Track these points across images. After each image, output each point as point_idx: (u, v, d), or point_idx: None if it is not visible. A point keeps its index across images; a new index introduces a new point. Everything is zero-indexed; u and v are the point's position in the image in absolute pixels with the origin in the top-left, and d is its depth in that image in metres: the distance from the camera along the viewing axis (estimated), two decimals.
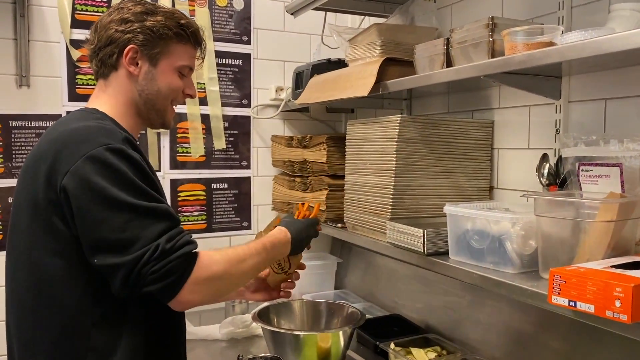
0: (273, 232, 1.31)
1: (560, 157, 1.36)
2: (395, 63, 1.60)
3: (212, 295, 1.10)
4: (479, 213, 1.25)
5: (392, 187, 1.50)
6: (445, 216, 1.49)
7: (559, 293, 0.95)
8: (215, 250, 1.12)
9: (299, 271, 1.49)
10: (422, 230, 1.34)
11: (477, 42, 1.22)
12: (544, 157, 1.40)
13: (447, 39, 1.34)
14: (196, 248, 1.07)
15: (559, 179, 1.35)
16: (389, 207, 1.50)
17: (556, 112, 1.43)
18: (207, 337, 1.84)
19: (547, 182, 1.37)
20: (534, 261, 1.19)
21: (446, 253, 1.34)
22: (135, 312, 1.13)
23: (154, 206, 1.06)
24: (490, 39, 1.20)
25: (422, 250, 1.35)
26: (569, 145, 1.29)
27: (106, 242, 1.02)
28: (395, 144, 1.49)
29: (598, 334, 1.30)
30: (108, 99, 1.24)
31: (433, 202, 1.56)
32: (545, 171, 1.38)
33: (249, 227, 2.33)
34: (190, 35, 1.28)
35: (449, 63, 1.35)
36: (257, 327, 1.54)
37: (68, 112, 1.99)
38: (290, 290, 1.50)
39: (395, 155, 1.49)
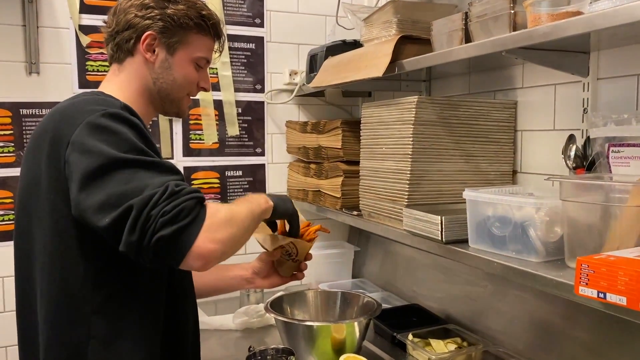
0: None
1: (588, 138, 1.27)
2: (412, 41, 1.52)
3: (230, 242, 0.99)
4: (501, 198, 1.18)
5: (408, 172, 1.43)
6: (465, 202, 1.43)
7: (586, 284, 0.88)
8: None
9: (308, 262, 1.44)
10: (439, 217, 1.27)
11: (498, 15, 1.14)
12: (571, 139, 1.32)
13: (466, 13, 1.26)
14: (204, 197, 1.00)
15: (586, 161, 1.26)
16: (406, 193, 1.44)
17: (584, 91, 1.34)
18: (221, 327, 1.81)
19: (574, 165, 1.29)
20: (559, 249, 1.11)
21: (466, 241, 1.27)
22: (139, 298, 1.09)
23: (158, 160, 1.01)
24: (512, 11, 1.12)
25: (440, 238, 1.28)
26: (598, 125, 1.20)
27: (113, 197, 0.94)
28: (411, 126, 1.42)
29: (630, 326, 1.22)
30: (120, 84, 1.22)
31: (452, 188, 1.48)
32: (572, 153, 1.29)
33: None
34: (210, 27, 1.25)
35: (468, 39, 1.27)
36: (272, 317, 1.49)
37: None
38: (301, 273, 1.44)
39: (412, 139, 1.42)
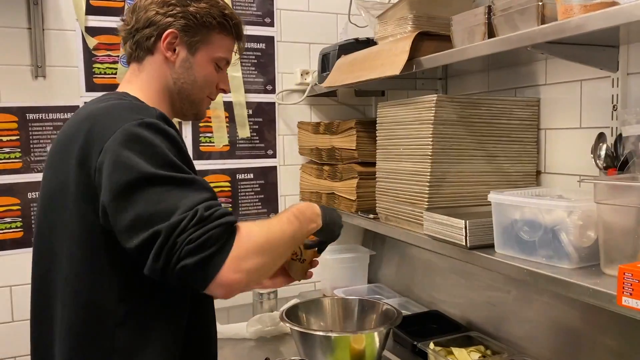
0: (298, 203, 1.18)
1: (619, 135, 1.20)
2: (430, 38, 1.46)
3: (257, 272, 0.94)
4: (529, 201, 1.11)
5: (428, 174, 1.37)
6: (488, 205, 1.35)
7: (630, 294, 0.82)
8: (250, 222, 0.99)
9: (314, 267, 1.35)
10: (463, 221, 1.21)
11: (524, 8, 1.07)
12: (600, 137, 1.25)
13: (489, 6, 1.20)
14: (236, 221, 0.95)
15: (618, 161, 1.20)
16: (426, 195, 1.37)
17: (613, 86, 1.28)
18: (235, 335, 1.75)
19: (605, 165, 1.22)
20: (592, 255, 1.05)
21: (491, 246, 1.21)
22: (163, 310, 1.04)
23: (191, 177, 0.96)
24: (540, 3, 1.05)
25: (464, 243, 1.22)
26: (631, 123, 1.13)
27: (142, 219, 0.90)
28: (431, 126, 1.36)
29: None
30: (141, 85, 1.17)
31: (474, 190, 1.42)
32: (602, 152, 1.23)
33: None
34: (232, 27, 1.22)
35: (491, 34, 1.21)
36: (287, 326, 1.44)
37: (86, 103, 1.91)
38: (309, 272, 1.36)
39: (431, 139, 1.36)
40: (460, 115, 1.39)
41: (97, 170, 0.95)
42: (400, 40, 1.50)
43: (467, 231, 1.21)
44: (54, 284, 1.05)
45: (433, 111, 1.35)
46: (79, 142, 1.00)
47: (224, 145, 2.13)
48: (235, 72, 2.11)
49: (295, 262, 1.32)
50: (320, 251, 1.28)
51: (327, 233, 1.20)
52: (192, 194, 0.92)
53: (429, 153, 1.36)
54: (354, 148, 1.81)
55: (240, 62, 2.13)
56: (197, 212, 0.89)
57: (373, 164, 1.72)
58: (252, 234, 0.94)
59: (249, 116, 2.17)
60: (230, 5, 2.08)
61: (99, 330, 1.01)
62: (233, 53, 1.27)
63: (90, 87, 1.92)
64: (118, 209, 0.92)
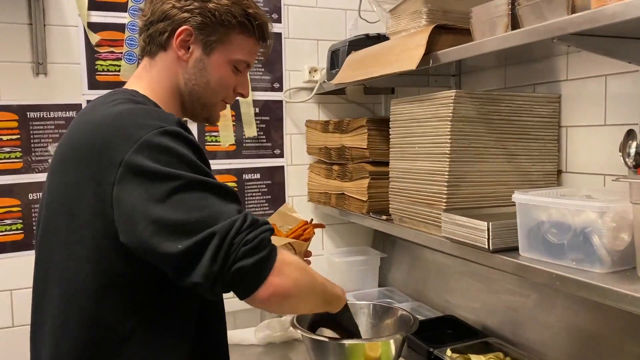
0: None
1: None
2: (447, 31, 1.40)
3: (299, 285, 0.93)
4: (558, 202, 1.05)
5: (447, 173, 1.31)
6: (508, 206, 1.31)
7: None
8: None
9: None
10: (486, 222, 1.15)
11: None
12: (630, 134, 1.18)
13: None
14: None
15: None
16: (444, 196, 1.31)
17: None
18: (242, 341, 1.69)
19: (635, 163, 1.16)
20: (626, 258, 0.99)
21: (515, 249, 1.15)
22: (169, 324, 0.98)
23: (224, 185, 0.92)
24: None
25: (486, 246, 1.16)
26: None
27: (187, 225, 0.85)
28: (449, 123, 1.30)
29: None
30: (150, 82, 1.10)
31: (494, 190, 1.36)
32: (632, 150, 1.16)
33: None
34: (255, 28, 1.13)
35: (514, 25, 1.15)
36: (297, 332, 1.38)
37: (88, 101, 1.85)
38: None
39: (449, 137, 1.30)
40: (479, 112, 1.33)
41: (116, 184, 0.88)
42: (415, 34, 1.44)
43: (490, 233, 1.15)
44: (56, 298, 0.98)
45: (451, 108, 1.29)
46: (93, 151, 0.93)
47: (230, 145, 2.07)
48: None
49: None
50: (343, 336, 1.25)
51: (350, 320, 1.23)
52: (228, 202, 0.90)
53: (447, 151, 1.30)
54: (365, 147, 1.75)
55: None
56: (247, 215, 0.88)
57: (385, 164, 1.67)
58: (287, 252, 0.96)
59: (256, 115, 2.11)
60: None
61: (104, 347, 0.95)
62: (255, 55, 1.18)
63: (93, 84, 1.86)
64: (151, 220, 0.86)
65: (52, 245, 0.99)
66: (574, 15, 0.96)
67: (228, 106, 2.04)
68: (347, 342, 1.28)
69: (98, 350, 0.95)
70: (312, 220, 1.37)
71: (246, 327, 1.76)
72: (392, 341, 1.28)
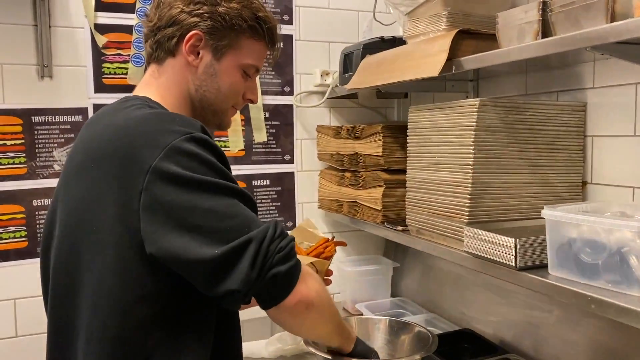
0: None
1: None
2: (469, 36, 1.34)
3: (318, 294, 0.94)
4: (592, 219, 0.99)
5: (469, 185, 1.25)
6: (532, 219, 1.26)
7: None
8: None
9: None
10: (514, 239, 1.09)
11: (590, 3, 0.95)
12: None
13: (544, 2, 1.08)
14: None
15: None
16: (466, 209, 1.26)
17: None
18: (252, 354, 1.64)
19: None
20: None
21: (542, 267, 1.09)
22: (191, 339, 0.94)
23: (247, 193, 0.93)
24: None
25: (513, 264, 1.10)
26: None
27: (220, 232, 0.85)
28: (473, 133, 1.24)
29: None
30: (160, 89, 1.06)
31: (517, 202, 1.31)
32: None
33: (293, 227, 2.11)
34: (265, 32, 1.10)
35: (545, 32, 1.09)
36: (309, 348, 1.32)
37: (95, 105, 1.81)
38: None
39: (473, 147, 1.24)
40: (504, 120, 1.27)
41: (144, 190, 0.85)
42: (437, 38, 1.38)
43: (517, 251, 1.09)
44: (78, 317, 0.93)
45: (475, 116, 1.24)
46: (116, 157, 0.89)
47: (239, 150, 2.02)
48: None
49: None
50: None
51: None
52: (253, 210, 0.92)
53: (470, 162, 1.25)
54: (380, 154, 1.70)
55: None
56: (277, 224, 0.90)
57: (400, 172, 1.61)
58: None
59: (265, 119, 2.05)
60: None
61: None
62: (264, 60, 1.15)
63: (100, 88, 1.81)
64: (184, 226, 0.85)
65: (75, 257, 0.94)
66: (616, 23, 0.90)
67: (237, 111, 2.00)
68: None
69: None
70: (333, 237, 1.32)
71: (256, 339, 1.70)
72: None
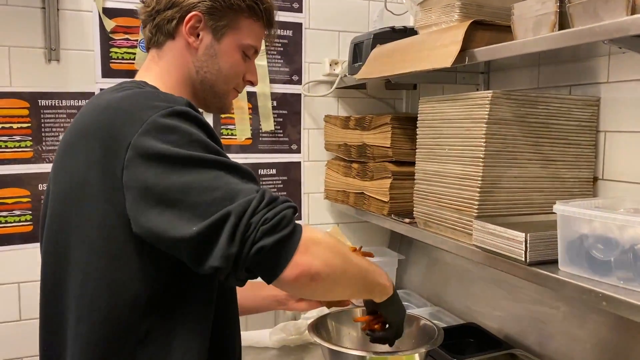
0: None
1: None
2: (483, 27, 1.32)
3: (329, 265, 0.87)
4: (605, 215, 0.98)
5: (479, 178, 1.24)
6: (542, 214, 1.25)
7: None
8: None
9: None
10: (524, 234, 1.08)
11: None
12: None
13: None
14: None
15: None
16: (476, 202, 1.24)
17: None
18: (256, 344, 1.64)
19: None
20: None
21: (552, 262, 1.08)
22: (187, 323, 0.93)
23: (238, 164, 0.88)
24: None
25: (522, 259, 1.09)
26: None
27: (199, 207, 0.81)
28: (484, 125, 1.22)
29: None
30: (160, 73, 1.06)
31: (527, 197, 1.29)
32: None
33: (298, 218, 2.10)
34: (263, 12, 1.09)
35: (562, 24, 1.07)
36: (314, 338, 1.32)
37: (102, 90, 1.79)
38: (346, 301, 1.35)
39: (484, 140, 1.22)
40: (516, 113, 1.25)
41: (125, 168, 0.84)
42: (450, 29, 1.36)
43: (528, 245, 1.08)
44: (67, 296, 0.93)
45: (487, 109, 1.22)
46: (99, 136, 0.88)
47: (246, 139, 2.01)
48: (260, 61, 1.97)
49: None
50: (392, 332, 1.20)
51: (398, 309, 1.16)
52: (246, 182, 0.85)
53: (481, 155, 1.23)
54: (388, 145, 1.68)
55: (266, 49, 2.00)
56: (265, 193, 0.83)
57: (409, 164, 1.60)
58: (314, 230, 0.89)
59: (273, 108, 2.04)
60: None
61: (119, 348, 0.90)
62: (261, 42, 1.15)
63: (107, 72, 1.80)
64: (161, 204, 0.82)
65: (63, 238, 0.94)
66: (637, 15, 0.88)
67: (245, 99, 1.99)
68: (368, 354, 1.22)
69: (114, 350, 0.90)
70: (361, 247, 1.31)
71: (259, 328, 1.70)
72: (417, 356, 1.22)
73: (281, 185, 2.08)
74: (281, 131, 2.06)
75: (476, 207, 1.24)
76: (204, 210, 0.80)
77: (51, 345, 0.98)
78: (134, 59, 1.83)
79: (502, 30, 1.29)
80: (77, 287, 0.91)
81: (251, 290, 1.29)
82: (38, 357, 1.02)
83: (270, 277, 0.84)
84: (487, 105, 1.22)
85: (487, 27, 1.32)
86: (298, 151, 2.09)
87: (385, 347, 1.24)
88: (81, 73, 1.77)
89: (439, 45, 1.35)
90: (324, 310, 1.44)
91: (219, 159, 0.85)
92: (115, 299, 0.89)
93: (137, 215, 0.84)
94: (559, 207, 1.05)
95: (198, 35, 1.05)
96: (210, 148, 0.86)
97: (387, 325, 1.20)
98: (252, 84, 1.17)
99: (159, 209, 0.82)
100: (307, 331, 1.65)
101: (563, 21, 1.07)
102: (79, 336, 0.91)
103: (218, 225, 0.79)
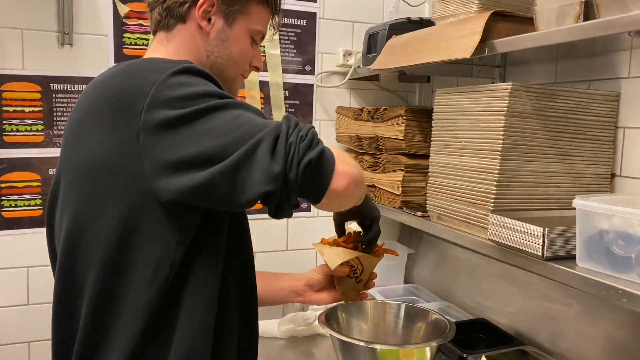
0: None
1: None
2: (503, 18, 1.30)
3: (356, 166, 0.89)
4: (627, 211, 0.96)
5: (497, 171, 1.22)
6: (559, 209, 1.23)
7: None
8: None
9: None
10: (542, 228, 1.06)
11: None
12: None
13: None
14: None
15: None
16: (492, 196, 1.23)
17: None
18: (265, 334, 1.63)
19: None
20: None
21: (570, 258, 1.06)
22: (190, 299, 0.92)
23: (255, 107, 0.89)
24: None
25: (539, 253, 1.07)
26: None
27: (229, 142, 0.80)
28: (503, 118, 1.20)
29: None
30: (168, 55, 1.04)
31: (544, 192, 1.27)
32: None
33: (308, 209, 2.09)
34: None
35: (587, 15, 1.05)
36: (325, 329, 1.31)
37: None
38: (364, 293, 1.33)
39: (502, 133, 1.21)
40: (535, 107, 1.23)
41: (142, 131, 0.83)
42: (469, 20, 1.34)
43: (545, 240, 1.06)
44: (81, 278, 0.92)
45: (507, 101, 1.20)
46: (107, 109, 0.87)
47: None
48: (273, 50, 1.96)
49: (349, 280, 1.20)
50: (374, 233, 1.19)
51: (373, 206, 1.15)
52: (261, 116, 0.86)
53: (499, 148, 1.21)
54: (402, 138, 1.66)
55: (279, 39, 1.98)
56: (289, 117, 0.84)
57: (422, 156, 1.58)
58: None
59: (285, 98, 2.02)
60: None
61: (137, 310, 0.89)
62: (268, 27, 1.15)
63: (120, 58, 1.79)
64: (197, 155, 0.81)
65: (88, 217, 0.91)
66: None
67: (257, 88, 1.97)
68: (379, 347, 1.21)
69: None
70: (383, 244, 1.29)
71: (267, 318, 1.69)
72: (427, 349, 1.20)
73: None
74: None
75: (492, 200, 1.23)
76: (237, 142, 0.80)
77: (64, 334, 0.97)
78: (147, 44, 1.81)
79: (523, 21, 1.27)
80: (91, 269, 0.90)
81: (266, 280, 1.28)
82: (45, 341, 1.01)
83: (320, 192, 0.84)
84: (506, 98, 1.20)
85: (507, 18, 1.30)
86: None
87: (393, 338, 1.23)
88: (94, 58, 1.76)
89: (457, 36, 1.33)
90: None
91: (234, 101, 0.86)
92: (127, 281, 0.88)
93: (168, 179, 0.82)
94: (578, 202, 1.04)
95: (210, 19, 1.04)
96: (223, 95, 0.87)
97: (370, 227, 1.20)
98: (258, 69, 1.16)
99: (194, 164, 0.81)
100: (315, 322, 1.65)
101: (588, 12, 1.05)
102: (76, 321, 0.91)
103: (254, 151, 0.79)
